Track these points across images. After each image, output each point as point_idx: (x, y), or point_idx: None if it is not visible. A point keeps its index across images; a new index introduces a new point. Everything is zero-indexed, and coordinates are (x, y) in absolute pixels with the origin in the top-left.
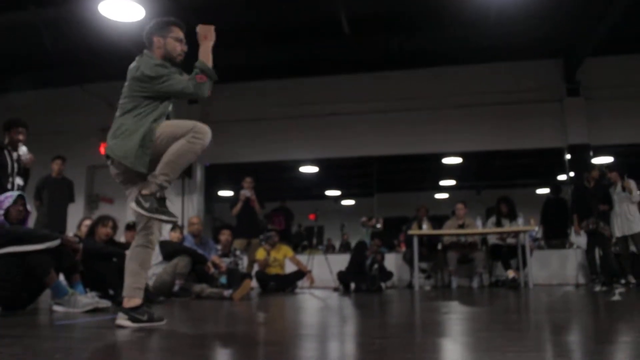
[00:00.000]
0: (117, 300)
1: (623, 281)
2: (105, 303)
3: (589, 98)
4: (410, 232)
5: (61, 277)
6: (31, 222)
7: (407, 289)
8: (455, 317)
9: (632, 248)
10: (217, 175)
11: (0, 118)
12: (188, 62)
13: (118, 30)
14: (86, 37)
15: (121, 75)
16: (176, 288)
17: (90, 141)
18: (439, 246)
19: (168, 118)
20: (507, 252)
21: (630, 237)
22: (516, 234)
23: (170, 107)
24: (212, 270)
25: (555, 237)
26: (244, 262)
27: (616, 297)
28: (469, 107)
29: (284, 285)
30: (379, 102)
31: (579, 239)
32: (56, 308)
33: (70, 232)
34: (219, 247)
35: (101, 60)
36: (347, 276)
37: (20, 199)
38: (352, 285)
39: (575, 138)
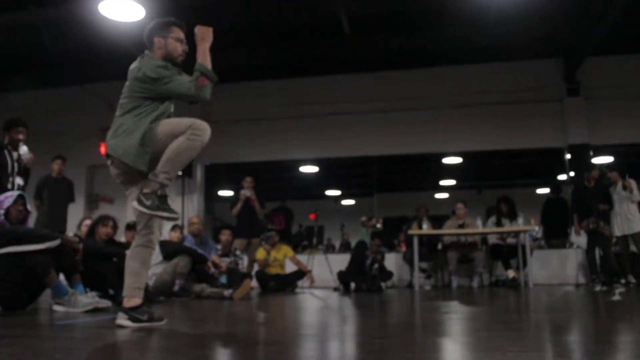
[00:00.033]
0: (117, 300)
1: (623, 281)
2: (105, 303)
3: (589, 98)
4: (410, 231)
5: (61, 277)
6: (31, 222)
7: (407, 288)
8: (456, 316)
9: (632, 248)
10: (217, 175)
11: (0, 118)
12: (189, 63)
13: (118, 30)
14: (86, 37)
15: (121, 75)
16: (176, 288)
17: (90, 141)
18: (439, 246)
19: (169, 117)
20: (507, 252)
21: (630, 236)
22: (516, 234)
23: (172, 108)
24: (212, 270)
25: (555, 236)
26: (244, 261)
27: (616, 297)
28: (469, 107)
29: (284, 285)
30: (379, 102)
31: (579, 239)
32: (56, 308)
33: (71, 232)
34: (219, 246)
35: (101, 60)
36: (347, 276)
37: (20, 199)
38: (352, 285)
39: (575, 138)
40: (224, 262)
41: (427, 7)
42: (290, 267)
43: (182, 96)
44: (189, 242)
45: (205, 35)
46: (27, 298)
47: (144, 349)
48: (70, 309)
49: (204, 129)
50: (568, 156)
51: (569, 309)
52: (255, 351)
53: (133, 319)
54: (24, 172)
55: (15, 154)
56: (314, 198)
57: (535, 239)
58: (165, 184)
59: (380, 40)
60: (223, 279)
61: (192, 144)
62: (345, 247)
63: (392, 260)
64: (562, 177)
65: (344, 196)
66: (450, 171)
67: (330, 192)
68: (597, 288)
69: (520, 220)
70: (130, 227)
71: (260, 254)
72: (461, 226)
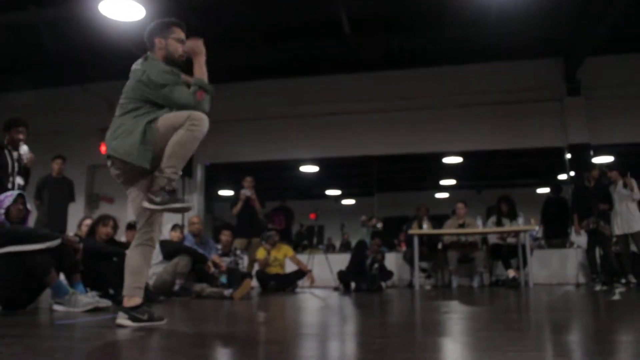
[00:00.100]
0: (117, 300)
1: (623, 280)
2: (105, 302)
3: (589, 97)
4: (410, 231)
5: (61, 277)
6: (31, 222)
7: (408, 288)
8: (456, 316)
9: (633, 247)
10: (217, 174)
11: (1, 118)
12: (189, 63)
13: (118, 30)
14: (86, 36)
15: (121, 75)
16: (176, 287)
17: (90, 141)
18: (440, 246)
19: None
20: (507, 252)
21: (630, 235)
22: (516, 234)
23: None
24: (213, 269)
25: (555, 236)
26: (244, 261)
27: (616, 297)
28: (469, 107)
29: (284, 284)
30: (379, 101)
31: (579, 239)
32: (56, 307)
33: (71, 231)
34: (219, 246)
35: (101, 60)
36: (347, 276)
37: (20, 198)
38: (353, 285)
39: (575, 137)
40: (224, 262)
41: (427, 7)
42: (290, 267)
43: (181, 107)
44: (189, 242)
45: (197, 50)
46: (27, 298)
47: (144, 348)
48: (70, 308)
49: (201, 118)
50: (568, 156)
51: (569, 308)
52: (256, 351)
53: (133, 319)
54: (25, 171)
55: (15, 154)
56: (314, 198)
57: (536, 239)
58: (172, 178)
59: (380, 40)
60: (223, 279)
61: (192, 134)
62: (345, 247)
63: (392, 260)
64: (562, 176)
65: (344, 196)
66: (450, 171)
67: (330, 192)
68: (597, 288)
69: (520, 220)
70: (131, 226)
71: (261, 253)
72: (461, 226)
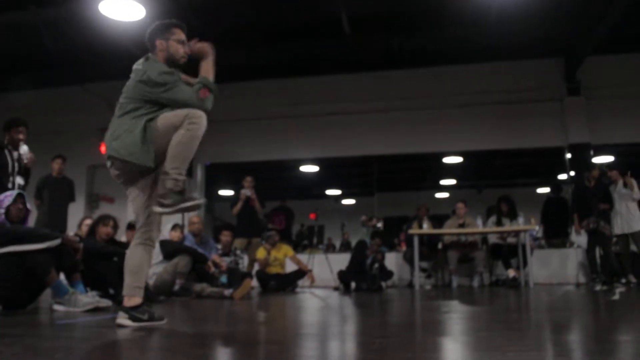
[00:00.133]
0: (117, 300)
1: (623, 280)
2: (105, 302)
3: (590, 97)
4: (410, 231)
5: (62, 277)
6: (32, 222)
7: (408, 288)
8: (456, 316)
9: (633, 247)
10: (217, 174)
11: (1, 118)
12: (190, 64)
13: (118, 30)
14: (86, 36)
15: (121, 75)
16: (177, 287)
17: (90, 141)
18: (440, 245)
19: None
20: (507, 252)
21: (630, 235)
22: (517, 233)
23: None
24: (213, 269)
25: (555, 236)
26: (244, 261)
27: (616, 297)
28: (469, 107)
29: (284, 284)
30: (379, 101)
31: (580, 238)
32: (57, 307)
33: (71, 231)
34: (220, 246)
35: (101, 60)
36: (347, 275)
37: (19, 197)
38: (353, 285)
39: (575, 137)
40: (224, 262)
41: (427, 7)
42: (290, 267)
43: (183, 105)
44: (190, 242)
45: (206, 51)
46: (28, 297)
47: (145, 348)
48: (70, 308)
49: (200, 115)
50: (568, 156)
51: (569, 308)
52: (256, 350)
53: (133, 319)
54: (25, 171)
55: (15, 154)
56: (314, 197)
57: (536, 239)
58: (179, 179)
59: (380, 40)
60: (223, 279)
61: (192, 133)
62: (345, 247)
63: (392, 260)
64: (562, 176)
65: (345, 196)
66: (450, 171)
67: (330, 192)
68: (598, 287)
69: (520, 219)
70: (131, 226)
71: (261, 253)
72: (461, 226)
